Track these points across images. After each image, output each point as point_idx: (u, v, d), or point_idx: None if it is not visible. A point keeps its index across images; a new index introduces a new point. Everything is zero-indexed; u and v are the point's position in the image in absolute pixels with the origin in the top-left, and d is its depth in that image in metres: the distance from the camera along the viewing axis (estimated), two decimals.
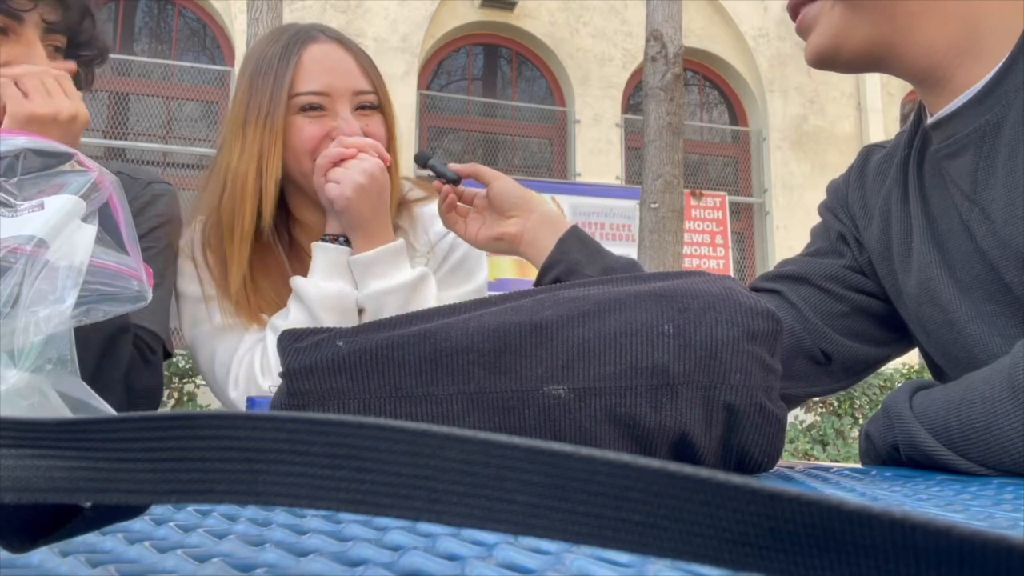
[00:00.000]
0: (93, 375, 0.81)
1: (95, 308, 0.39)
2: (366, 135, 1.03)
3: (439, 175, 0.98)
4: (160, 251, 1.02)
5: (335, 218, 1.03)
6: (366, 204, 1.00)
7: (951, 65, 0.71)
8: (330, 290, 1.00)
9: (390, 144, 1.08)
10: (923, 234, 0.78)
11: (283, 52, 1.03)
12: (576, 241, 0.94)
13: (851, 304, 0.85)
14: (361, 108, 1.05)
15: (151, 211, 1.02)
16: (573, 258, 0.91)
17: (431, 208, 1.09)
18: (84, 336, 0.81)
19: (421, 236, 1.10)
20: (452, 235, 1.08)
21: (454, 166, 0.98)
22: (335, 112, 1.03)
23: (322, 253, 1.02)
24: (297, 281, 1.01)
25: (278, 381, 0.96)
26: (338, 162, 0.99)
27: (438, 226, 1.07)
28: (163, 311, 1.02)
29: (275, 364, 0.97)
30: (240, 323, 1.03)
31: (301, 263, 1.08)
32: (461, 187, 1.00)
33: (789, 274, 0.88)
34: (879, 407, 0.71)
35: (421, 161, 1.01)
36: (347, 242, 1.04)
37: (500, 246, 0.97)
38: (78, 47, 0.95)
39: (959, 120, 0.72)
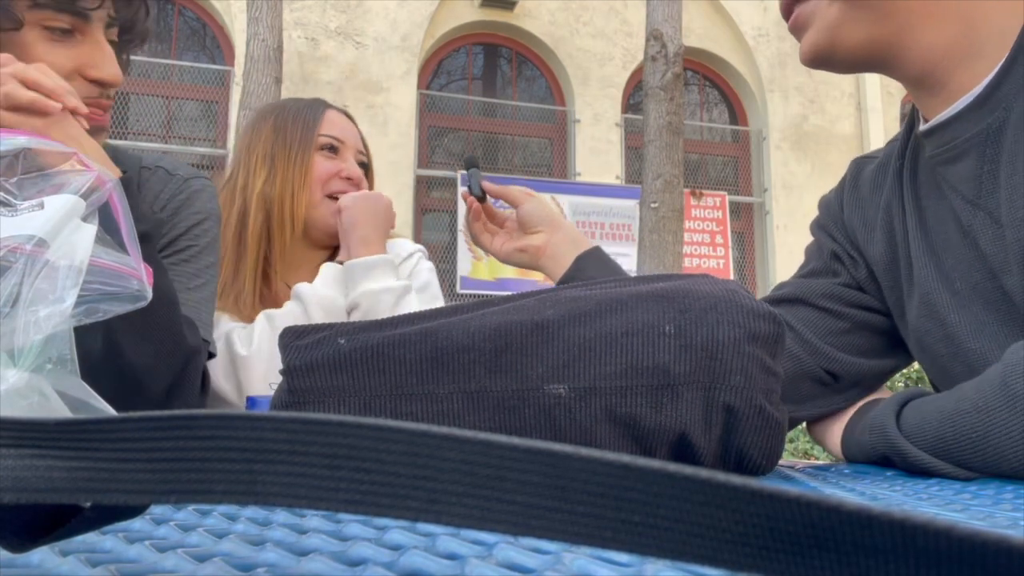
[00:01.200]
0: (163, 402, 0.80)
1: (95, 307, 0.39)
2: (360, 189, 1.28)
3: (470, 189, 1.06)
4: (202, 249, 0.99)
5: (344, 248, 1.20)
6: (366, 212, 1.19)
7: (949, 67, 0.70)
8: (327, 293, 1.15)
9: None
10: (919, 246, 0.76)
11: (310, 108, 1.28)
12: (594, 260, 0.96)
13: (852, 321, 0.83)
14: (360, 164, 1.30)
15: (190, 208, 1.00)
16: (588, 275, 0.94)
17: (392, 241, 1.30)
18: (161, 358, 0.78)
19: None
20: (413, 260, 1.28)
21: (487, 185, 1.05)
22: (344, 158, 1.27)
23: (328, 269, 1.19)
24: (301, 286, 1.16)
25: (255, 349, 1.09)
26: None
27: (398, 249, 1.27)
28: (209, 313, 0.99)
29: (257, 338, 1.11)
30: (224, 316, 1.17)
31: (270, 290, 1.24)
32: (493, 209, 1.07)
33: (785, 297, 0.86)
34: (861, 422, 0.71)
35: (468, 165, 1.09)
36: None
37: (522, 258, 1.02)
38: (127, 35, 0.94)
39: (958, 124, 0.71)
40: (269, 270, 1.22)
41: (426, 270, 1.29)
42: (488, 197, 1.05)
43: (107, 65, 0.87)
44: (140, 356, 0.77)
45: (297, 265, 1.24)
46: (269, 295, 1.23)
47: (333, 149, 1.26)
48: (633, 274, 0.97)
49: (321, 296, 1.14)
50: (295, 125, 1.25)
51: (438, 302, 1.27)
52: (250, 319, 1.17)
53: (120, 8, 0.89)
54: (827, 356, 0.81)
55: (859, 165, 0.89)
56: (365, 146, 1.32)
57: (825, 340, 0.82)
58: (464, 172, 1.09)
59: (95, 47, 0.87)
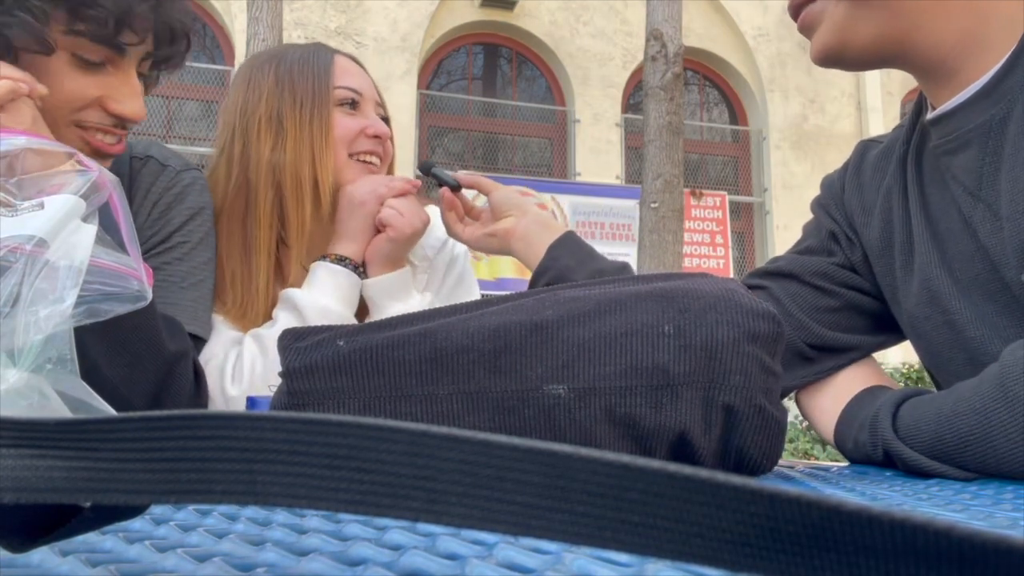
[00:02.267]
0: (151, 406, 0.75)
1: (96, 307, 0.39)
2: (385, 147, 1.09)
3: (442, 182, 1.04)
4: (195, 245, 0.94)
5: (347, 240, 1.02)
6: (412, 244, 1.04)
7: (959, 58, 0.70)
8: (336, 310, 0.97)
9: (392, 160, 1.14)
10: (923, 233, 0.77)
11: (315, 55, 1.07)
12: (568, 246, 0.95)
13: (841, 300, 0.84)
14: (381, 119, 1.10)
15: (182, 204, 0.95)
16: (563, 264, 0.93)
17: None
18: (138, 369, 0.73)
19: (417, 251, 1.10)
20: (447, 249, 1.12)
21: (459, 175, 1.04)
22: (365, 113, 1.06)
23: (328, 274, 0.99)
24: (293, 293, 0.98)
25: (245, 386, 0.93)
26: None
27: (431, 239, 1.10)
28: (206, 311, 0.95)
29: (248, 372, 0.94)
30: (223, 320, 1.00)
31: (281, 272, 1.06)
32: (469, 202, 1.06)
33: (778, 271, 0.87)
34: (859, 418, 0.71)
35: (425, 169, 1.06)
36: (351, 267, 1.02)
37: (492, 242, 1.01)
38: (163, 64, 0.89)
39: (963, 115, 0.71)
40: (284, 258, 1.03)
41: (462, 256, 1.14)
42: (462, 188, 1.05)
43: (131, 101, 0.82)
44: (116, 368, 0.73)
45: (319, 245, 1.04)
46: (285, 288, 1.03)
47: (353, 104, 1.05)
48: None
49: (324, 311, 0.96)
50: (303, 77, 1.04)
51: (474, 293, 1.13)
52: (261, 323, 1.00)
53: (161, 45, 0.84)
54: (811, 331, 0.82)
55: (865, 148, 0.90)
56: (380, 97, 1.12)
57: (810, 316, 0.83)
58: (430, 176, 1.06)
59: (123, 81, 0.82)
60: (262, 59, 1.09)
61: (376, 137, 1.05)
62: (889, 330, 0.85)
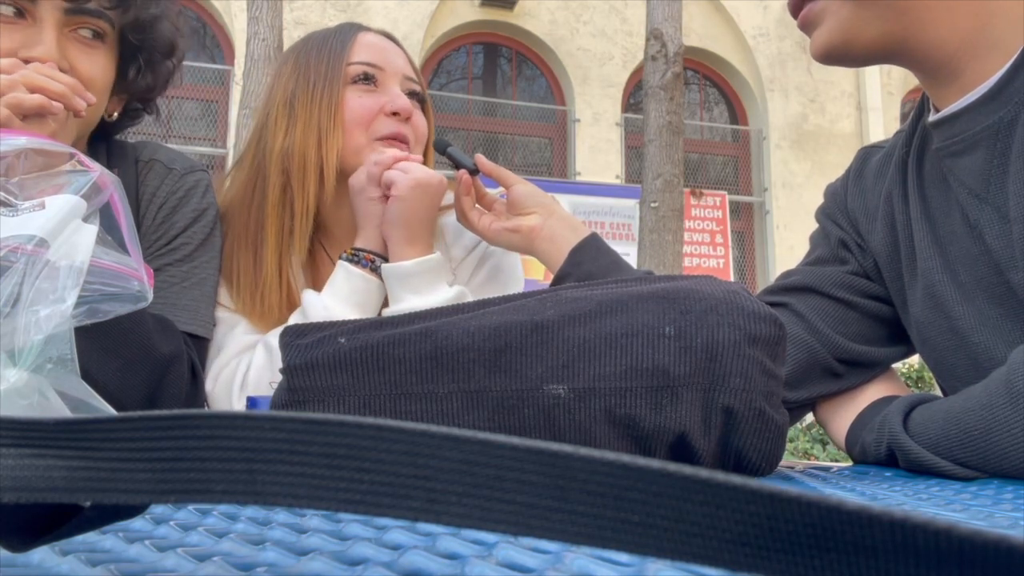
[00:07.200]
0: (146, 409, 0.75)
1: (96, 308, 0.39)
2: (413, 125, 1.02)
3: (459, 164, 0.96)
4: (196, 246, 0.94)
5: (361, 230, 0.96)
6: (424, 203, 0.93)
7: (964, 58, 0.69)
8: (337, 313, 0.90)
9: (427, 146, 1.07)
10: (924, 236, 0.76)
11: (337, 33, 1.02)
12: (591, 251, 0.91)
13: (862, 310, 0.82)
14: (409, 95, 1.02)
15: (187, 206, 0.94)
16: (585, 270, 0.89)
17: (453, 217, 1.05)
18: (130, 374, 0.74)
19: (448, 248, 1.05)
20: (483, 246, 1.04)
21: (480, 159, 0.96)
22: (386, 88, 1.00)
23: (344, 276, 0.93)
24: (309, 296, 0.93)
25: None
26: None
27: (466, 239, 1.04)
28: (208, 309, 0.93)
29: (253, 384, 0.90)
30: (239, 318, 0.96)
31: (317, 272, 1.02)
32: (483, 189, 0.99)
33: (795, 285, 0.85)
34: (870, 423, 0.71)
35: (440, 148, 0.99)
36: (374, 269, 0.95)
37: (513, 239, 0.95)
38: (138, 33, 0.87)
39: (969, 117, 0.70)
40: (295, 247, 0.97)
41: (498, 251, 1.04)
42: (480, 173, 0.97)
43: (40, 46, 0.81)
44: (107, 374, 0.73)
45: (345, 235, 0.98)
46: (317, 277, 0.98)
47: (368, 79, 0.98)
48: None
49: (326, 316, 0.88)
50: (320, 58, 0.99)
51: (511, 288, 1.03)
52: (279, 320, 0.94)
53: None
54: (839, 346, 0.80)
55: (866, 154, 0.89)
56: (416, 72, 1.03)
57: (837, 329, 0.81)
58: (445, 156, 0.99)
59: (38, 29, 0.82)
60: (291, 47, 1.06)
61: (395, 114, 0.98)
62: (906, 339, 0.84)
